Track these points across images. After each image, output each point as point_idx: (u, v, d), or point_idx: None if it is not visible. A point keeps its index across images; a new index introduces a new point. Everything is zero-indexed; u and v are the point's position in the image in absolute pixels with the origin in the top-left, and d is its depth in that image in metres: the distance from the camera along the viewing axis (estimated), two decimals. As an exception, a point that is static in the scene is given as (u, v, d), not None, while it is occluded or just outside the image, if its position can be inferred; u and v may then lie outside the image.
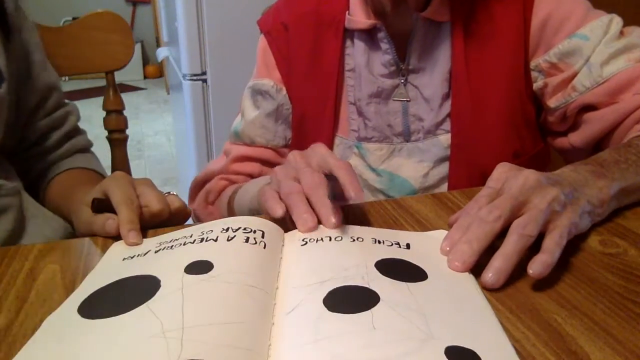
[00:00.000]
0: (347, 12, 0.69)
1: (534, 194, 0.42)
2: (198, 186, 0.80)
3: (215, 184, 0.77)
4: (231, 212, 0.69)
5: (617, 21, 0.64)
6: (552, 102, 0.66)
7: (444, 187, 0.69)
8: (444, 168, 0.68)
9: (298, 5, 0.73)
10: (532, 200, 0.42)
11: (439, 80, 0.67)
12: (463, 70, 0.65)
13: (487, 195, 0.44)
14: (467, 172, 0.67)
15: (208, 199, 0.77)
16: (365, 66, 0.69)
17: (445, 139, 0.68)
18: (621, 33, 0.63)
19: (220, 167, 0.78)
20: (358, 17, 0.68)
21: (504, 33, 0.65)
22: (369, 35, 0.68)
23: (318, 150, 0.49)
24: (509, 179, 0.44)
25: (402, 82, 0.68)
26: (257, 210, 0.58)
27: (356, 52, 0.69)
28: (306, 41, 0.71)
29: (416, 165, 0.69)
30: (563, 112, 0.65)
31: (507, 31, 0.65)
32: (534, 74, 0.67)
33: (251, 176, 0.77)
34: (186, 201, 0.81)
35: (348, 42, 0.70)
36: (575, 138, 0.66)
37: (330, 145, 0.72)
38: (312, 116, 0.72)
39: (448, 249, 0.42)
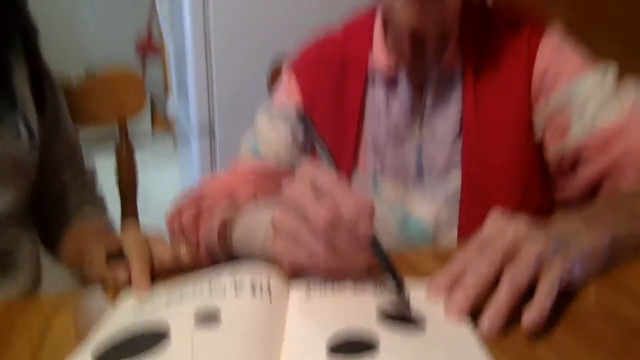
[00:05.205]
0: (370, 55, 0.74)
1: (524, 242, 0.43)
2: (190, 199, 0.73)
3: (213, 197, 0.71)
4: (223, 240, 0.62)
5: (611, 73, 0.68)
6: (550, 149, 0.70)
7: (455, 226, 0.71)
8: (455, 207, 0.71)
9: (325, 46, 0.79)
10: (523, 248, 0.43)
11: (451, 123, 0.71)
12: (473, 115, 0.70)
13: (477, 243, 0.46)
14: (477, 212, 0.69)
15: (200, 211, 0.69)
16: (384, 107, 0.73)
17: (456, 179, 0.71)
18: (617, 85, 0.67)
19: (227, 181, 0.73)
20: (380, 61, 0.73)
21: (510, 81, 0.70)
22: (389, 80, 0.73)
23: (309, 177, 0.44)
24: (500, 227, 0.46)
25: (417, 124, 0.73)
26: (269, 258, 0.53)
27: (376, 93, 0.74)
28: (331, 80, 0.76)
29: (428, 204, 0.72)
30: (560, 159, 0.69)
31: (512, 80, 0.70)
32: (536, 121, 0.71)
33: (269, 196, 0.72)
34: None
35: (369, 86, 0.75)
36: (572, 184, 0.69)
37: (348, 182, 0.73)
38: (331, 152, 0.74)
39: (433, 291, 0.43)
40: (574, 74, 0.68)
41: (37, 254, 0.64)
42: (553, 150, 0.69)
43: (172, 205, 0.73)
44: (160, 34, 4.74)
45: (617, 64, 0.72)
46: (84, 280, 0.62)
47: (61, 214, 0.77)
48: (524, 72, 0.70)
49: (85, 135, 0.84)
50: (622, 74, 0.69)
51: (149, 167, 3.76)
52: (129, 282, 0.49)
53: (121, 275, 0.50)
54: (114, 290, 0.50)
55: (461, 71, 0.72)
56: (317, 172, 0.44)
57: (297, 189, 0.44)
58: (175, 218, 0.72)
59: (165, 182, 3.49)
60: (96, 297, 0.50)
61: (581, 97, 0.66)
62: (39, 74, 0.69)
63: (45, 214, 0.76)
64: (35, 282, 0.62)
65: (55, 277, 0.64)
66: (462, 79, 0.72)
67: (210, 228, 0.66)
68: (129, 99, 0.94)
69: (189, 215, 0.70)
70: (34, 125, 0.66)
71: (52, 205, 0.77)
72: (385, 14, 0.72)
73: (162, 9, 2.14)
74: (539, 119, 0.71)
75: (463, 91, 0.71)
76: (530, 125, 0.71)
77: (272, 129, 0.77)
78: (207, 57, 1.58)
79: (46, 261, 0.65)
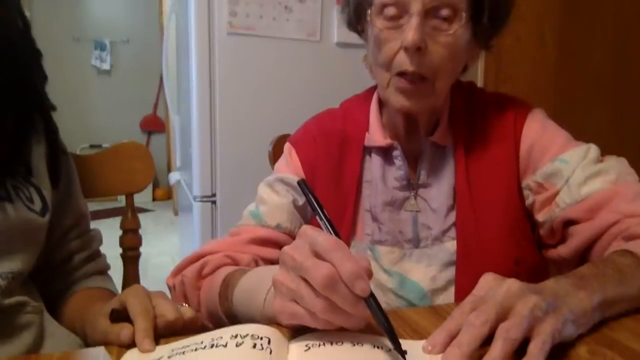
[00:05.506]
0: (367, 132, 0.79)
1: (516, 300, 0.45)
2: (193, 259, 0.75)
3: (216, 258, 0.72)
4: (224, 299, 0.63)
5: (593, 149, 0.73)
6: (540, 217, 0.73)
7: (451, 290, 0.73)
8: (451, 272, 0.73)
9: (326, 123, 0.84)
10: (515, 306, 0.45)
11: (445, 194, 0.75)
12: (465, 186, 0.74)
13: (471, 302, 0.48)
14: (472, 276, 0.69)
15: (203, 271, 0.71)
16: (380, 179, 0.78)
17: (451, 245, 0.74)
18: (600, 160, 0.72)
19: (228, 245, 0.75)
20: (376, 137, 0.78)
21: (499, 157, 0.75)
22: (385, 153, 0.78)
23: (308, 239, 0.46)
24: (492, 287, 0.48)
25: (412, 195, 0.77)
26: (269, 318, 0.53)
27: (373, 166, 0.79)
28: (331, 154, 0.80)
29: (425, 269, 0.74)
30: (550, 226, 0.72)
31: (501, 155, 0.75)
32: (525, 192, 0.75)
33: (270, 262, 0.75)
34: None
35: (367, 158, 0.80)
36: (563, 250, 0.72)
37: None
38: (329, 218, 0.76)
39: (430, 348, 0.45)
40: (559, 150, 0.73)
41: (41, 315, 0.65)
42: (543, 218, 0.73)
43: (174, 266, 0.76)
44: (165, 111, 4.96)
45: (601, 135, 0.77)
46: (87, 341, 0.63)
47: (65, 278, 0.79)
48: (511, 148, 0.75)
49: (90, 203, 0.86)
50: (607, 147, 0.75)
51: (149, 235, 3.79)
52: (132, 341, 0.50)
53: (125, 334, 0.51)
54: (118, 350, 0.51)
55: (453, 147, 0.77)
56: (316, 234, 0.46)
57: (297, 249, 0.46)
58: (176, 276, 0.74)
59: (164, 249, 3.49)
60: (99, 356, 0.50)
61: (567, 170, 0.71)
62: (55, 152, 0.74)
63: (49, 278, 0.77)
64: (38, 342, 0.63)
65: (57, 338, 0.64)
66: (453, 155, 0.77)
67: (211, 287, 0.67)
68: (138, 172, 0.97)
69: (190, 273, 0.72)
70: (47, 195, 0.69)
71: (57, 269, 0.78)
72: (381, 97, 0.78)
73: (169, 86, 2.26)
74: (527, 189, 0.75)
75: (455, 165, 0.76)
76: (520, 193, 0.75)
77: (273, 194, 0.80)
78: (212, 132, 1.66)
79: (49, 322, 0.65)
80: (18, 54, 0.67)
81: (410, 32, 0.64)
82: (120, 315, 0.54)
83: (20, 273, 0.64)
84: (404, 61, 0.67)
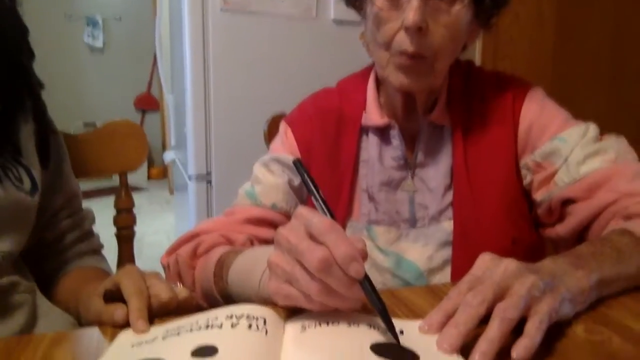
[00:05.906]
0: (364, 111, 0.78)
1: (514, 280, 0.45)
2: (187, 239, 0.74)
3: (210, 238, 0.71)
4: (218, 279, 0.62)
5: (593, 128, 0.72)
6: (538, 196, 0.73)
7: (447, 270, 0.73)
8: (448, 252, 0.73)
9: (323, 102, 0.83)
10: (512, 286, 0.45)
11: (442, 174, 0.75)
12: (463, 166, 0.74)
13: (468, 282, 0.47)
14: (468, 255, 0.70)
15: (197, 250, 0.71)
16: (377, 159, 0.77)
17: (448, 225, 0.74)
18: (599, 139, 0.71)
19: (223, 225, 0.74)
20: (373, 116, 0.77)
21: (496, 137, 0.74)
22: (382, 133, 0.77)
23: (304, 220, 0.45)
24: (490, 267, 0.48)
25: (409, 175, 0.76)
26: (264, 298, 0.52)
27: (370, 146, 0.78)
28: (327, 133, 0.79)
29: (421, 249, 0.74)
30: (548, 205, 0.72)
31: (499, 135, 0.74)
32: (523, 172, 0.75)
33: (265, 242, 0.74)
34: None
35: (364, 137, 0.79)
36: (560, 229, 0.72)
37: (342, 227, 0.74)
38: (327, 200, 0.75)
39: (427, 328, 0.45)
40: (558, 130, 0.72)
41: (33, 295, 0.64)
42: (541, 197, 0.73)
43: (169, 244, 0.75)
44: (159, 89, 4.91)
45: (600, 116, 0.76)
46: (81, 321, 0.62)
47: (57, 258, 0.78)
48: (510, 128, 0.75)
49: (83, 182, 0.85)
50: (605, 127, 0.74)
51: (144, 214, 3.78)
52: (126, 321, 0.50)
53: (119, 314, 0.50)
54: (112, 330, 0.51)
55: (450, 127, 0.76)
56: (311, 216, 0.45)
57: (292, 231, 0.46)
58: (171, 255, 0.73)
59: (159, 228, 3.49)
60: (93, 336, 0.50)
61: (566, 149, 0.71)
62: (44, 131, 0.72)
63: (41, 258, 0.77)
64: (31, 322, 0.62)
65: (50, 317, 0.64)
66: (451, 135, 0.76)
67: (205, 266, 0.67)
68: (131, 151, 0.96)
69: (185, 252, 0.71)
70: (37, 175, 0.68)
71: (48, 249, 0.78)
72: (380, 76, 0.76)
73: (162, 64, 2.22)
74: (525, 168, 0.74)
75: (453, 146, 0.75)
76: (518, 172, 0.74)
77: (269, 174, 0.79)
78: (207, 110, 1.64)
79: (42, 302, 0.65)
80: (4, 30, 0.65)
81: (411, 12, 0.63)
82: (114, 296, 0.53)
83: (11, 253, 0.63)
84: (404, 41, 0.66)
